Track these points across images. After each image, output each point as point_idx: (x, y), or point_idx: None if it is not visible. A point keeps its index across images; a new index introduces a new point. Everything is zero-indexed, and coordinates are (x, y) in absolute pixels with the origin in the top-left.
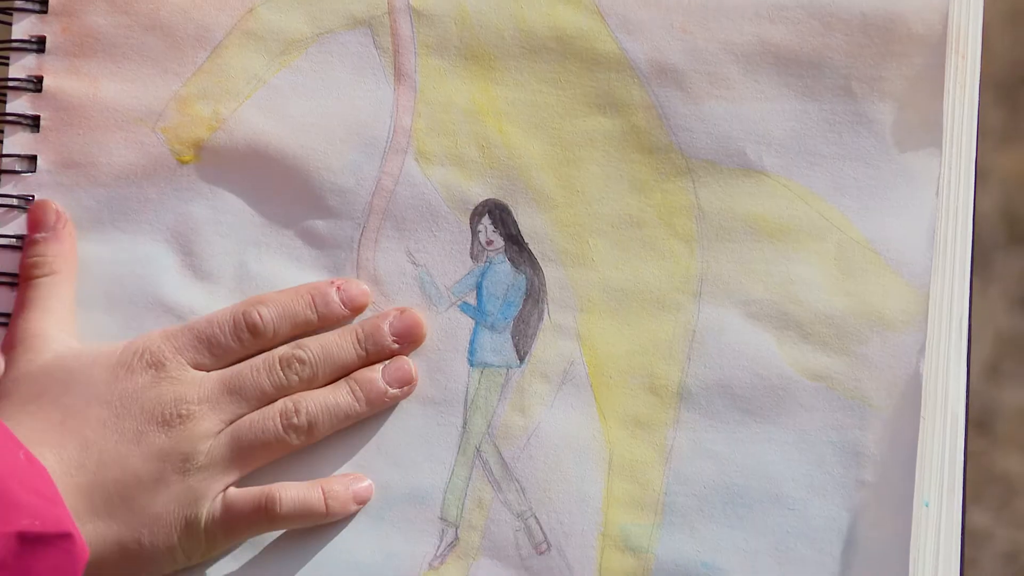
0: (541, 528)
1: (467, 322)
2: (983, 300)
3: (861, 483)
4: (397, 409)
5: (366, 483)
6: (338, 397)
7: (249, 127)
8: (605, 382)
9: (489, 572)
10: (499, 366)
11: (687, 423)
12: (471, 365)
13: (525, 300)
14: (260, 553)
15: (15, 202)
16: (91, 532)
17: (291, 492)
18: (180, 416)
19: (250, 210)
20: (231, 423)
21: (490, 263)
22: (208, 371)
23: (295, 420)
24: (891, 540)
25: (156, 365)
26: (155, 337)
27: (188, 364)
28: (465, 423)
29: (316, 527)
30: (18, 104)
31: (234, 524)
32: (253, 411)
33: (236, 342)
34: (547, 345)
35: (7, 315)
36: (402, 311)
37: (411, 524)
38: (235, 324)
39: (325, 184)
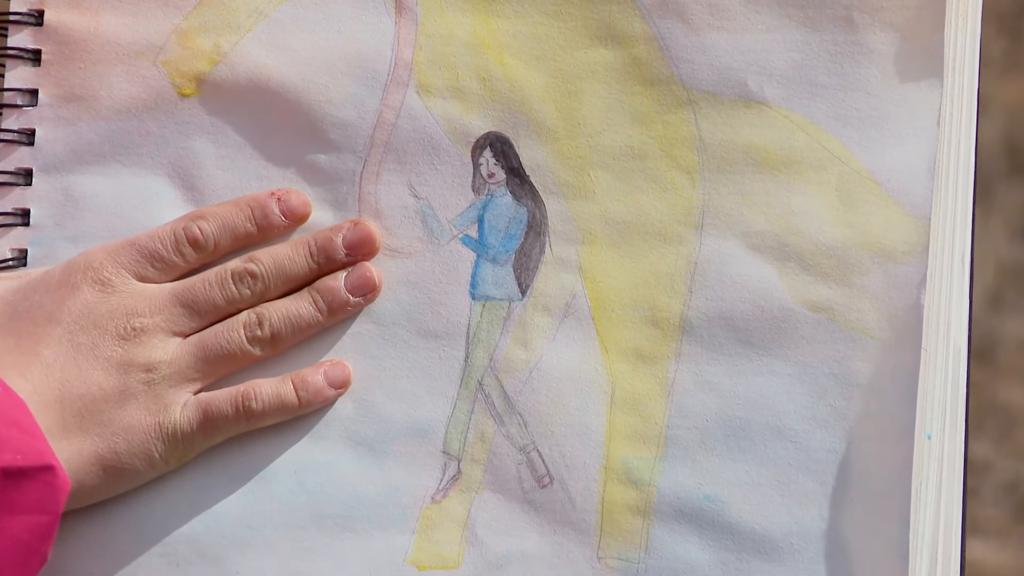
0: (543, 461)
1: (469, 255)
2: (984, 230)
3: (862, 415)
4: (398, 342)
5: (342, 366)
6: (300, 308)
7: (250, 60)
8: (607, 315)
9: (492, 505)
10: (501, 299)
11: (689, 356)
12: (473, 298)
13: (527, 233)
14: (262, 489)
15: (16, 136)
16: (67, 449)
17: (265, 388)
18: (134, 329)
19: (251, 144)
20: (185, 335)
21: (492, 196)
22: (154, 283)
23: (258, 332)
24: (893, 472)
25: (101, 281)
26: (96, 253)
27: (133, 278)
28: (467, 357)
29: (318, 455)
30: (19, 38)
31: (212, 425)
32: (206, 324)
33: (179, 256)
34: (549, 278)
35: (23, 251)
36: (355, 223)
37: (413, 458)
38: (176, 238)
39: (326, 117)
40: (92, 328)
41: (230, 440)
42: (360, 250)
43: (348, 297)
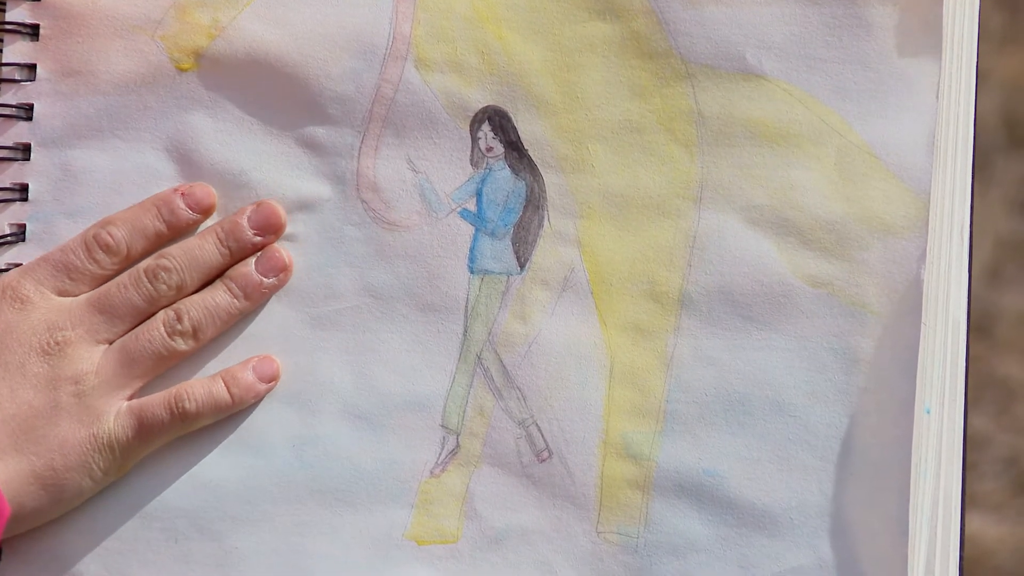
0: (542, 436)
1: (467, 229)
2: (983, 204)
3: (862, 390)
4: (397, 316)
5: (269, 361)
6: (216, 297)
7: (248, 35)
8: (606, 289)
9: (490, 480)
10: (499, 273)
11: (688, 330)
12: (471, 272)
13: (525, 207)
14: (261, 464)
15: (15, 111)
16: (3, 472)
17: (197, 388)
18: (58, 343)
19: (250, 118)
20: (111, 342)
21: (490, 170)
22: (75, 297)
23: (178, 326)
24: (892, 447)
25: (20, 299)
26: (11, 274)
27: (52, 293)
28: (466, 330)
29: (317, 429)
30: (17, 12)
31: (148, 430)
32: (129, 328)
33: (93, 264)
34: (547, 252)
35: (21, 225)
36: (259, 203)
37: (412, 432)
38: (87, 246)
39: (325, 92)
40: (17, 347)
41: (227, 415)
42: (268, 228)
43: (261, 279)
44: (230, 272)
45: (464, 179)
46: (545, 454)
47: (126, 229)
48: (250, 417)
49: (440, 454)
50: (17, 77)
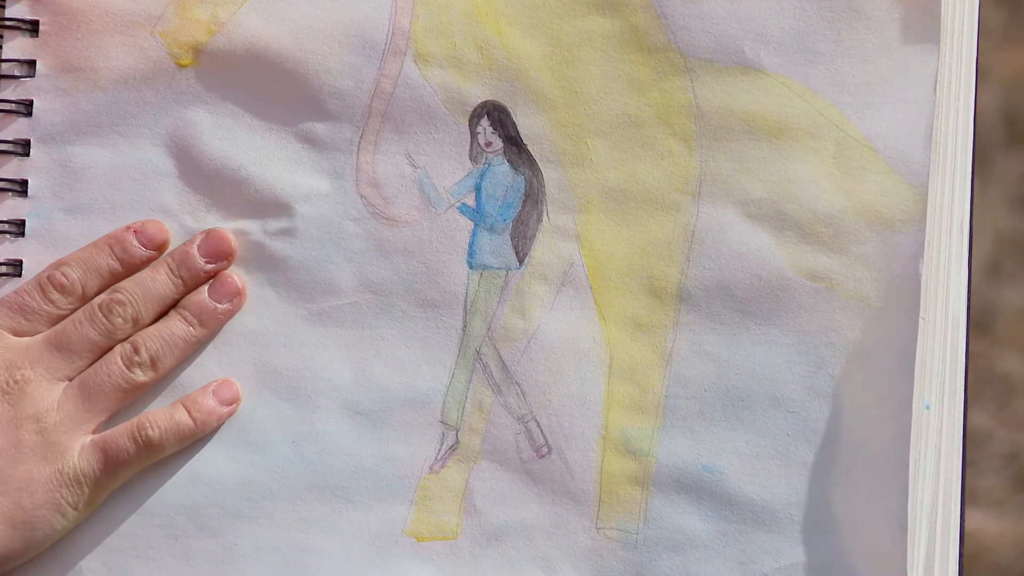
0: (542, 431)
1: (466, 224)
2: (983, 200)
3: (861, 385)
4: (395, 311)
5: (229, 384)
6: (172, 326)
7: (248, 30)
8: (605, 284)
9: (490, 476)
10: (498, 268)
11: (687, 325)
12: (470, 267)
13: (524, 201)
14: (260, 460)
15: (14, 107)
16: None
17: (158, 416)
18: (16, 382)
19: (249, 114)
20: (70, 379)
21: (489, 165)
22: (31, 336)
23: (136, 358)
24: (892, 442)
25: None
26: None
27: (8, 334)
28: (465, 326)
29: (316, 425)
30: (17, 9)
31: (114, 463)
32: (87, 364)
33: (48, 304)
34: (546, 247)
35: (20, 221)
36: (208, 232)
37: (411, 428)
38: (42, 287)
39: (324, 87)
40: None
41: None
42: (218, 255)
43: (215, 306)
44: (184, 301)
45: (463, 174)
46: (544, 450)
47: (80, 269)
48: (250, 414)
49: (439, 450)
50: (17, 73)
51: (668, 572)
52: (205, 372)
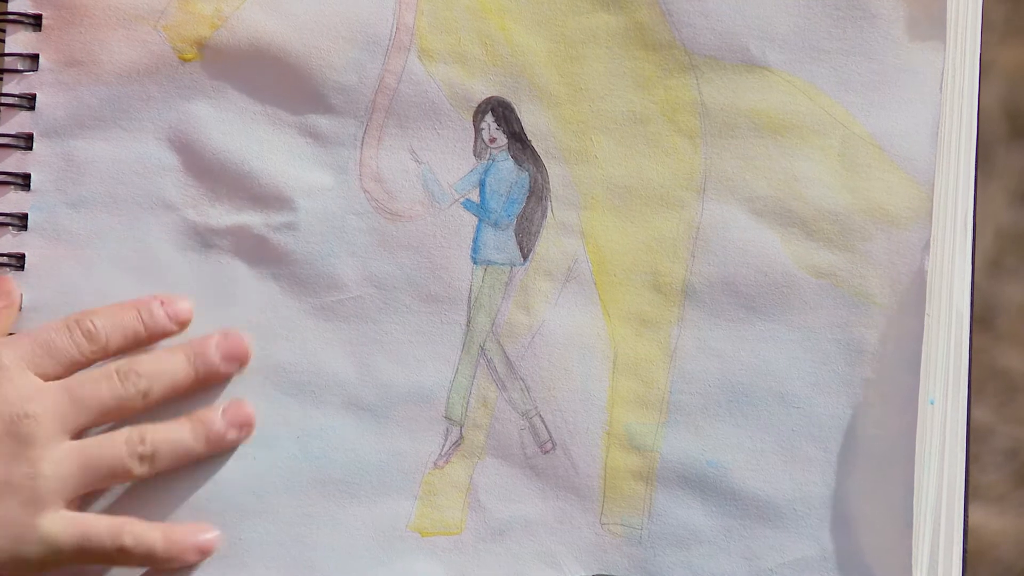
0: (546, 427)
1: (470, 219)
2: (984, 195)
3: (866, 381)
4: (399, 306)
5: (211, 535)
6: (181, 433)
7: (251, 25)
8: (609, 280)
9: (494, 471)
10: (502, 264)
11: (691, 321)
12: (474, 263)
13: (528, 197)
14: (264, 456)
15: (17, 101)
16: None
17: (138, 529)
18: (27, 416)
19: (252, 108)
20: (72, 432)
21: (493, 160)
22: (48, 379)
23: (140, 448)
24: (896, 438)
25: None
26: None
27: (28, 368)
28: (469, 321)
29: (320, 421)
30: (20, 3)
31: (88, 549)
32: (93, 422)
33: (73, 346)
34: (551, 243)
35: (23, 215)
36: (226, 333)
37: (415, 423)
38: (69, 328)
39: (328, 82)
40: None
41: None
42: (233, 357)
43: (226, 431)
44: (198, 415)
45: (467, 170)
46: (549, 445)
47: (108, 321)
48: (254, 408)
49: (444, 445)
50: (20, 67)
51: (672, 567)
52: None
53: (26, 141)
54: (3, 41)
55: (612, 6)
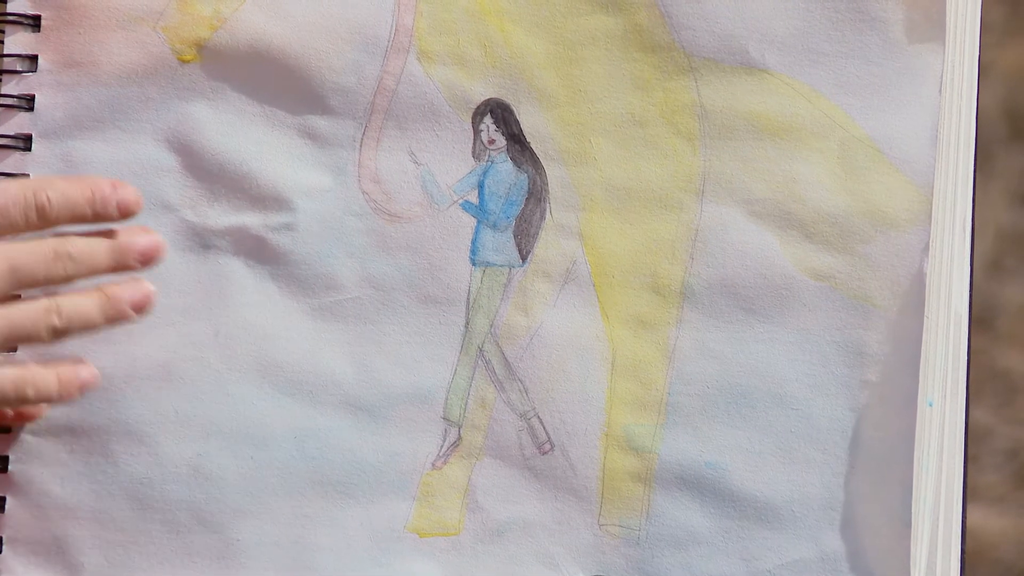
0: (544, 428)
1: (469, 221)
2: (984, 196)
3: (865, 383)
4: (398, 307)
5: (90, 371)
6: (90, 309)
7: (250, 26)
8: (608, 281)
9: (492, 472)
10: (501, 265)
11: (690, 322)
12: (473, 264)
13: (527, 199)
14: (262, 456)
15: (16, 102)
16: None
17: (39, 379)
18: None
19: (251, 109)
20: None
21: (492, 162)
22: None
23: (56, 321)
24: (895, 439)
25: None
26: None
27: None
28: (467, 322)
29: (318, 421)
30: (19, 4)
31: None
32: (16, 290)
33: (22, 219)
34: (549, 244)
35: None
36: (147, 231)
37: (413, 424)
38: (26, 202)
39: (327, 84)
40: None
41: (229, 407)
42: (150, 260)
43: (129, 312)
44: (108, 291)
45: (466, 171)
46: (547, 446)
47: (60, 198)
48: (252, 408)
49: (442, 446)
50: (19, 68)
51: (671, 568)
52: (204, 366)
53: (25, 142)
54: (2, 42)
55: (611, 8)
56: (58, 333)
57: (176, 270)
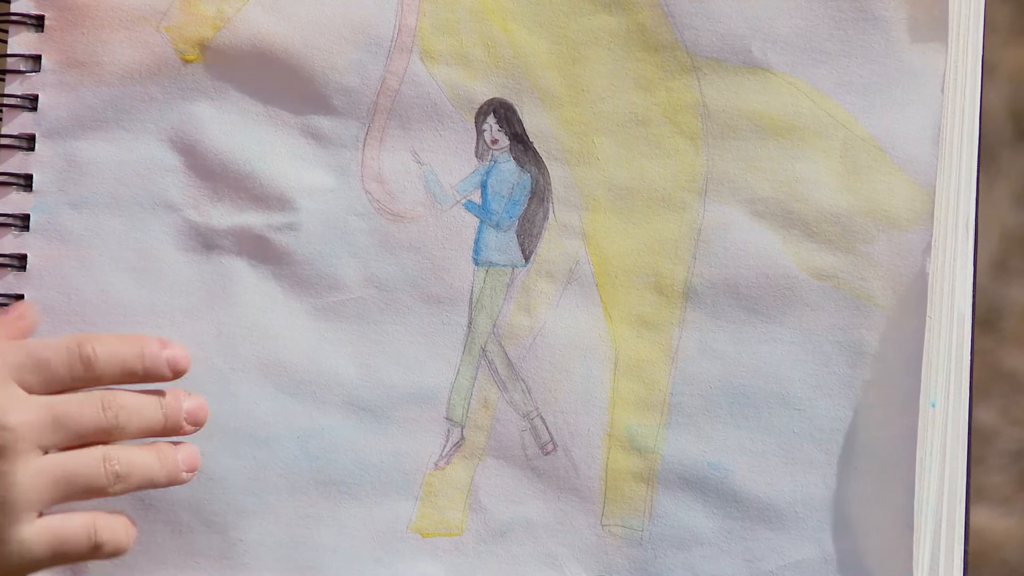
0: (547, 428)
1: (472, 221)
2: (989, 197)
3: (867, 383)
4: (401, 307)
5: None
6: (149, 460)
7: (253, 26)
8: (610, 281)
9: (495, 472)
10: (504, 265)
11: (693, 323)
12: (476, 264)
13: (530, 199)
14: (265, 456)
15: (19, 102)
16: None
17: (109, 523)
18: (4, 427)
19: (254, 110)
20: (47, 450)
21: (495, 162)
22: (33, 392)
23: (116, 467)
24: (898, 440)
25: None
26: None
27: (14, 378)
28: (470, 322)
29: (321, 421)
30: (22, 3)
31: (64, 552)
32: (67, 443)
33: (67, 371)
34: (552, 244)
35: (25, 216)
36: (195, 399)
37: (416, 424)
38: (69, 353)
39: (330, 84)
40: None
41: (232, 407)
42: (195, 422)
43: (181, 471)
44: (162, 448)
45: (469, 171)
46: (550, 447)
47: (107, 351)
48: (255, 408)
49: (445, 446)
50: (22, 68)
51: (673, 569)
52: (207, 366)
53: (28, 142)
54: (5, 42)
55: (614, 7)
56: (120, 480)
57: (179, 270)
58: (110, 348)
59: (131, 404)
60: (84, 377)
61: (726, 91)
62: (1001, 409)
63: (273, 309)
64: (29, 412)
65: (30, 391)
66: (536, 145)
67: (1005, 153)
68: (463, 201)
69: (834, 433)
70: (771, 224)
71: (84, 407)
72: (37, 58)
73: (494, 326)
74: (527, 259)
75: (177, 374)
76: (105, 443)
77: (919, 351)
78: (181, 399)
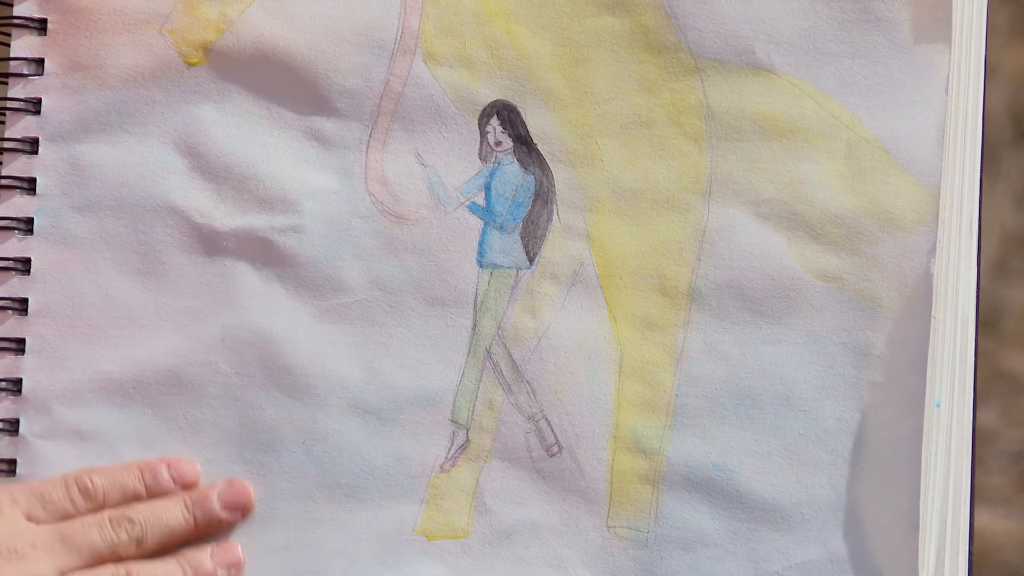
0: (552, 430)
1: (476, 223)
2: (989, 198)
3: (872, 384)
4: (405, 310)
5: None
6: (168, 572)
7: (257, 29)
8: (615, 283)
9: (500, 474)
10: (508, 267)
11: (697, 324)
12: (480, 266)
13: (534, 201)
14: (270, 460)
15: (23, 105)
16: None
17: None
18: (16, 552)
19: (258, 112)
20: (63, 573)
21: (499, 164)
22: (40, 523)
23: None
24: (902, 441)
25: None
26: None
27: (22, 512)
28: (475, 324)
29: (326, 424)
30: (25, 7)
31: None
32: (85, 564)
33: (68, 502)
34: (557, 246)
35: (29, 219)
36: (230, 482)
37: (422, 427)
38: (67, 485)
39: (333, 86)
40: None
41: (237, 411)
42: (235, 506)
43: (215, 570)
44: (187, 555)
45: (473, 173)
46: (555, 448)
47: (107, 481)
48: (260, 412)
49: (450, 449)
50: (25, 71)
51: (679, 570)
52: (212, 370)
53: (32, 145)
54: (8, 45)
55: (617, 9)
56: None
57: (182, 273)
58: (109, 478)
59: (145, 515)
60: (88, 506)
61: (730, 92)
62: (1001, 410)
63: (277, 312)
64: (37, 536)
65: (37, 522)
66: (540, 147)
67: (1005, 154)
68: (467, 203)
69: (839, 434)
70: (775, 226)
71: (89, 526)
72: (40, 61)
73: (499, 328)
74: (531, 261)
75: (188, 487)
76: (124, 560)
77: (924, 352)
78: (212, 492)
